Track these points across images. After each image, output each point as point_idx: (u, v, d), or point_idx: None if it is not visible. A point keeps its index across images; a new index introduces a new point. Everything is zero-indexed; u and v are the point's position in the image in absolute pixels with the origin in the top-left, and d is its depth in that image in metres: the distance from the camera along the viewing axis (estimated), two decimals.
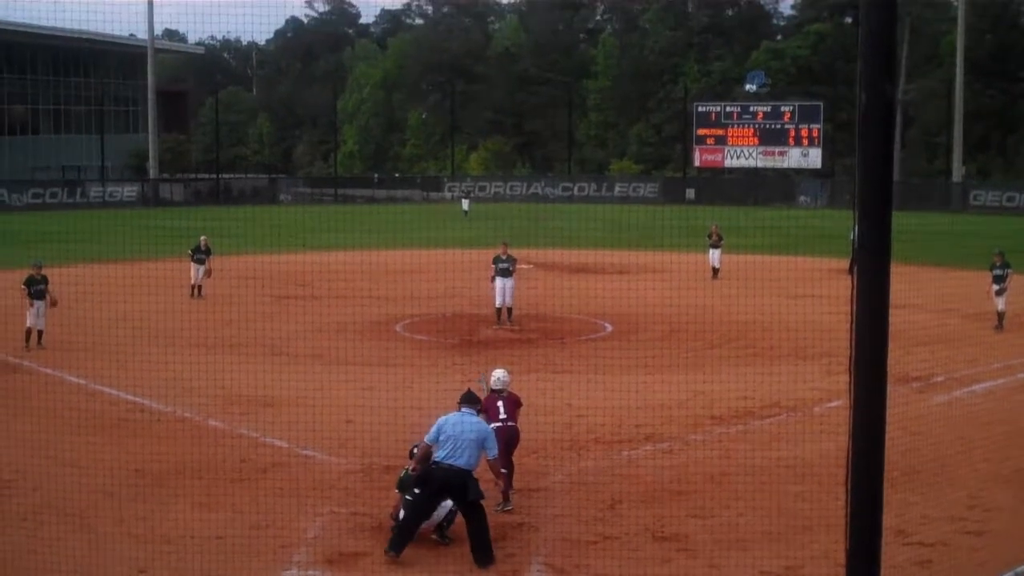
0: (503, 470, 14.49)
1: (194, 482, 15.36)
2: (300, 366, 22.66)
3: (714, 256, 39.59)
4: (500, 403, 14.86)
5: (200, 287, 34.03)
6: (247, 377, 20.19)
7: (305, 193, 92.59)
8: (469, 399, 13.37)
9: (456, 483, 12.51)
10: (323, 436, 16.98)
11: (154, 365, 21.37)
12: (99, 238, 47.77)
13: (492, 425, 14.70)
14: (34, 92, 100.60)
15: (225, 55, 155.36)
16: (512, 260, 29.27)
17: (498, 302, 29.08)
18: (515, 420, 14.90)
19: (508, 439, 14.70)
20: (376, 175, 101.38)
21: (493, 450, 12.97)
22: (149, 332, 25.44)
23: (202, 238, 34.96)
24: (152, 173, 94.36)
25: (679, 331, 26.89)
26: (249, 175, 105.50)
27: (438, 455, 12.67)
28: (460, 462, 12.60)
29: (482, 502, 12.78)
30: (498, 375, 15.23)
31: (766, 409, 19.78)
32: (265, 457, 16.73)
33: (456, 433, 12.69)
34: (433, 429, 12.89)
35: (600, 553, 12.98)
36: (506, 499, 14.47)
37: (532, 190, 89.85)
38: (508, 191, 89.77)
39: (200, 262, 34.25)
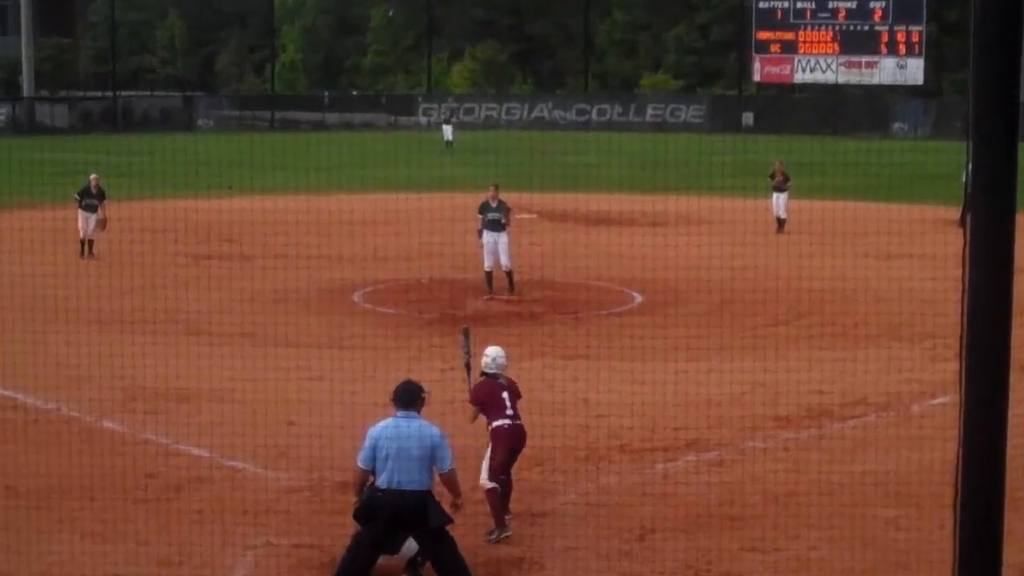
0: (494, 485, 14.50)
1: (84, 504, 15.36)
2: (226, 348, 22.62)
3: (778, 202, 39.61)
4: (505, 394, 14.87)
5: (91, 242, 34.01)
6: (155, 363, 20.18)
7: (232, 117, 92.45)
8: (406, 398, 12.97)
9: (410, 510, 12.43)
10: (256, 443, 16.98)
11: (31, 347, 21.30)
12: None
13: (498, 423, 14.67)
14: None
15: None
16: (505, 208, 29.23)
17: (488, 264, 29.08)
18: (520, 417, 14.97)
19: (518, 443, 14.77)
20: (327, 93, 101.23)
21: (446, 460, 12.74)
22: (24, 303, 25.43)
23: (92, 177, 34.93)
24: (26, 90, 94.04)
25: (732, 303, 26.87)
26: (156, 93, 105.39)
27: (380, 480, 12.56)
28: (411, 484, 12.47)
29: (448, 528, 12.70)
30: (493, 355, 15.12)
31: (849, 408, 19.81)
32: (179, 471, 16.74)
33: (395, 449, 12.52)
34: (365, 447, 12.72)
35: None
36: (500, 525, 14.51)
37: (536, 113, 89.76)
38: (504, 115, 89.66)
39: (90, 209, 34.24)
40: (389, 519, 12.48)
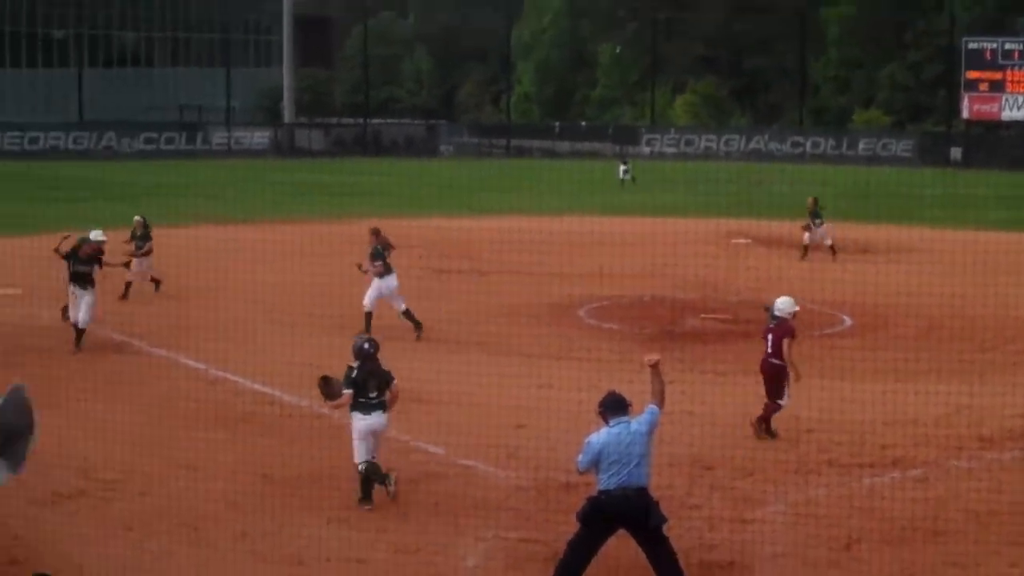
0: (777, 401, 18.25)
1: (331, 493, 15.67)
2: (461, 355, 22.92)
3: (821, 232, 37.97)
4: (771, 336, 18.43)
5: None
6: (396, 367, 20.33)
7: (470, 144, 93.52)
8: (617, 405, 13.01)
9: (634, 511, 12.42)
10: (488, 443, 17.12)
11: (287, 348, 21.89)
12: (222, 193, 49.18)
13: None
14: (148, 16, 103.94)
15: None
16: (382, 250, 26.05)
17: (368, 305, 25.73)
18: (779, 357, 18.26)
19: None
20: (557, 123, 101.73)
21: (654, 415, 12.97)
22: (281, 308, 26.06)
23: (136, 219, 30.31)
24: (287, 116, 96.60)
25: (939, 328, 26.27)
26: (403, 121, 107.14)
27: (604, 482, 12.52)
28: (637, 481, 12.48)
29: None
30: (785, 302, 18.76)
31: None
32: (416, 466, 16.97)
33: (622, 453, 12.51)
34: (587, 455, 12.71)
35: None
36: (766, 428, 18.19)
37: (752, 145, 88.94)
38: (722, 146, 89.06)
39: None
40: (612, 520, 12.48)
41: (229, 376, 21.73)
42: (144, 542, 14.09)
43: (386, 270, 25.67)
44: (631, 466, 12.47)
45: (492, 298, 28.29)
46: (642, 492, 12.48)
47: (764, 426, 18.37)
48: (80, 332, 23.86)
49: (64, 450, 16.82)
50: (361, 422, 15.47)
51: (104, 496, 15.67)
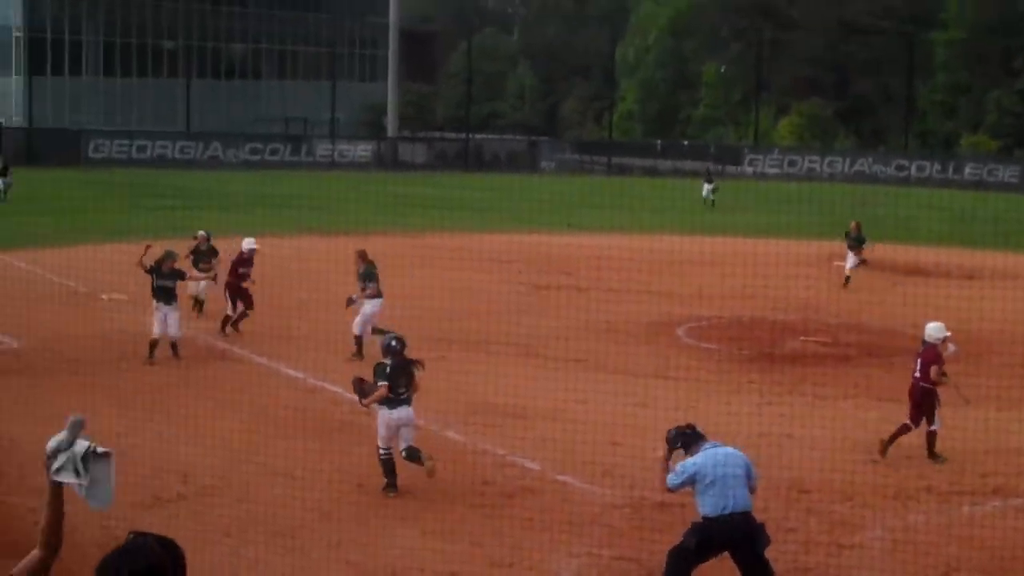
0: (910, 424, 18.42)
1: (426, 504, 15.74)
2: (559, 372, 22.91)
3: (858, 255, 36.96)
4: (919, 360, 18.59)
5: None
6: (493, 381, 20.52)
7: (572, 160, 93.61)
8: (694, 437, 12.86)
9: (742, 536, 12.31)
10: (583, 460, 17.11)
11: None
12: (326, 205, 49.60)
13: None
14: (255, 29, 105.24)
15: None
16: (362, 275, 25.38)
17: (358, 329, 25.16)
18: (928, 381, 18.39)
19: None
20: (660, 141, 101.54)
21: (753, 479, 12.70)
22: (381, 320, 26.17)
23: (200, 233, 29.00)
24: (391, 130, 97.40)
25: None
26: (505, 136, 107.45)
27: (707, 508, 12.41)
28: (737, 506, 12.34)
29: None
30: (934, 328, 18.93)
31: None
32: (512, 480, 16.99)
33: (720, 474, 12.38)
34: (679, 476, 12.59)
35: None
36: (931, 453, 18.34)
37: (857, 167, 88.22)
38: (825, 167, 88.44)
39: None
40: (721, 545, 12.37)
41: (327, 386, 21.92)
42: (241, 549, 14.23)
43: (377, 293, 25.09)
44: (730, 487, 12.34)
45: (590, 315, 28.26)
46: (747, 516, 12.38)
47: (929, 452, 18.50)
48: (174, 344, 24.15)
49: (165, 455, 17.09)
50: (389, 416, 16.42)
51: (203, 501, 15.86)
